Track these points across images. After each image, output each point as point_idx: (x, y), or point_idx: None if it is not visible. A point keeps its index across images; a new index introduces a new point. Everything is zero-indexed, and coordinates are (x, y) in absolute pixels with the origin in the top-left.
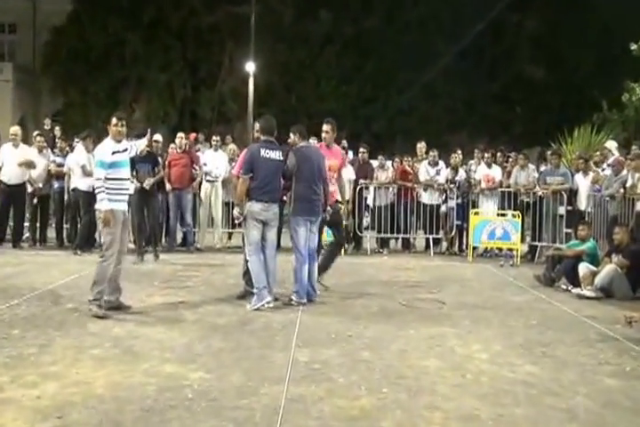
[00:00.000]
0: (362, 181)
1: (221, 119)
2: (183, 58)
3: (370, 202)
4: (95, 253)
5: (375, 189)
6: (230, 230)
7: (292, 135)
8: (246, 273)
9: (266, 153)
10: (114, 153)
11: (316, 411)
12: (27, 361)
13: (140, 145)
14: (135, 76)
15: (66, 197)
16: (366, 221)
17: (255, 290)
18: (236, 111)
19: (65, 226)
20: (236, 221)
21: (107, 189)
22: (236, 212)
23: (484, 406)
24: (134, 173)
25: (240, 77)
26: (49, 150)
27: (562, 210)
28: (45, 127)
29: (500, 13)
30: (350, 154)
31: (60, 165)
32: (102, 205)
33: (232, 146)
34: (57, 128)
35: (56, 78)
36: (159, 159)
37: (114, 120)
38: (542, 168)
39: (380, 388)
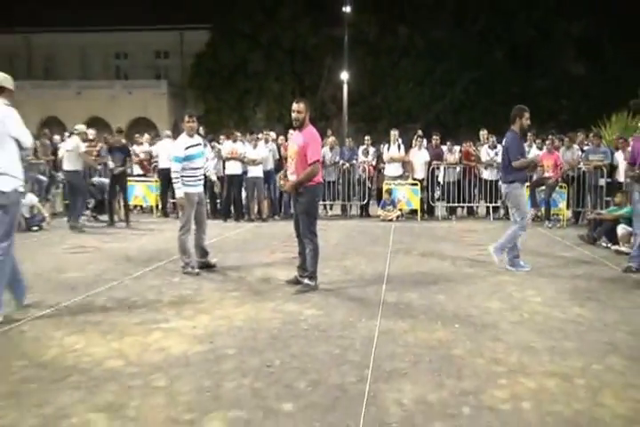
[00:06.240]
0: (434, 162)
1: (322, 117)
2: (292, 71)
3: (440, 179)
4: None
5: (445, 168)
6: (331, 203)
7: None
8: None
9: None
10: (187, 148)
11: (402, 341)
12: (185, 300)
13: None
14: (257, 87)
15: None
16: (438, 193)
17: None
18: (334, 111)
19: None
20: None
21: (183, 177)
22: None
23: (539, 340)
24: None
25: (336, 84)
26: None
27: (602, 182)
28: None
29: (547, 21)
30: (424, 141)
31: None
32: (178, 192)
33: (332, 138)
34: (201, 128)
35: (198, 90)
36: (130, 150)
37: (186, 118)
38: (585, 148)
39: (452, 323)
